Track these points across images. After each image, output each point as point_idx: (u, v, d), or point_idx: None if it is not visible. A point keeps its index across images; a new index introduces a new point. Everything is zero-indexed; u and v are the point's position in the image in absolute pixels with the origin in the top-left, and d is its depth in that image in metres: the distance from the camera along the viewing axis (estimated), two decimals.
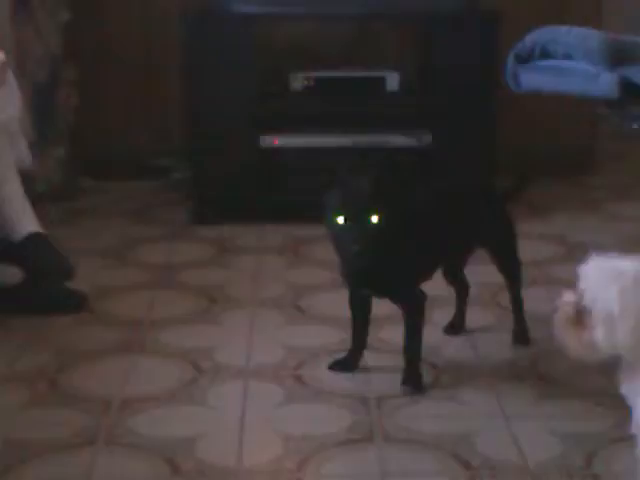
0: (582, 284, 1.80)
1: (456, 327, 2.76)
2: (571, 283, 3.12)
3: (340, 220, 2.24)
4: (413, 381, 2.39)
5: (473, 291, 3.02)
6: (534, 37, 2.50)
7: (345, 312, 2.49)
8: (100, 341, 2.74)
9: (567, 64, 2.42)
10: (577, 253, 3.44)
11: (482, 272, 2.95)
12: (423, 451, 2.16)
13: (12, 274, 2.95)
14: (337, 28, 4.10)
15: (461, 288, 2.75)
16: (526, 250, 2.81)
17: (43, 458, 2.15)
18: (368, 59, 4.05)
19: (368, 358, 2.53)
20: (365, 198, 2.25)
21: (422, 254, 2.42)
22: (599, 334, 1.76)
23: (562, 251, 3.46)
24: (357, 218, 2.23)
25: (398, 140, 3.72)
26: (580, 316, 1.79)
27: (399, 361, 2.47)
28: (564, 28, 2.50)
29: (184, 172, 4.06)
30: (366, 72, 3.89)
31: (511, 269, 2.68)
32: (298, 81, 3.79)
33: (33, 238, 2.91)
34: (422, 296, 2.43)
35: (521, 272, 2.67)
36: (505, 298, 2.91)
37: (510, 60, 2.56)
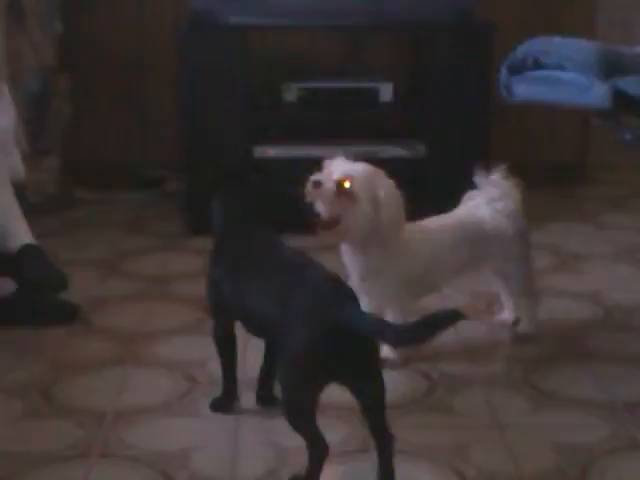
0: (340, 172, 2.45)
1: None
2: (565, 292, 3.14)
3: None
4: None
5: (466, 301, 3.03)
6: (527, 47, 2.50)
7: None
8: (94, 353, 2.73)
9: (560, 75, 2.42)
10: (570, 263, 3.45)
11: (475, 282, 2.96)
12: (418, 462, 2.16)
13: (5, 286, 2.95)
14: (331, 39, 4.11)
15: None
16: None
17: (37, 471, 2.14)
18: (361, 70, 4.05)
19: None
20: None
21: None
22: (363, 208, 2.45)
23: (556, 261, 3.46)
24: None
25: (392, 151, 3.72)
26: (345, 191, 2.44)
27: (387, 372, 2.48)
28: (557, 39, 2.50)
29: (178, 183, 4.07)
30: (359, 83, 3.89)
31: None
32: (291, 92, 3.79)
33: (26, 250, 2.90)
34: None
35: None
36: (499, 308, 2.92)
37: (503, 71, 2.56)
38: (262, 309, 2.12)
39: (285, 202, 2.29)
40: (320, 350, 1.93)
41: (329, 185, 2.45)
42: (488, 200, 2.71)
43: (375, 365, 1.99)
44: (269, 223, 2.28)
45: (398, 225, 2.54)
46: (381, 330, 1.94)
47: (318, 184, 2.45)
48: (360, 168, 2.50)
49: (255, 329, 2.27)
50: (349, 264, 2.59)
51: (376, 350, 2.00)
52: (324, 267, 2.10)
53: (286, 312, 2.01)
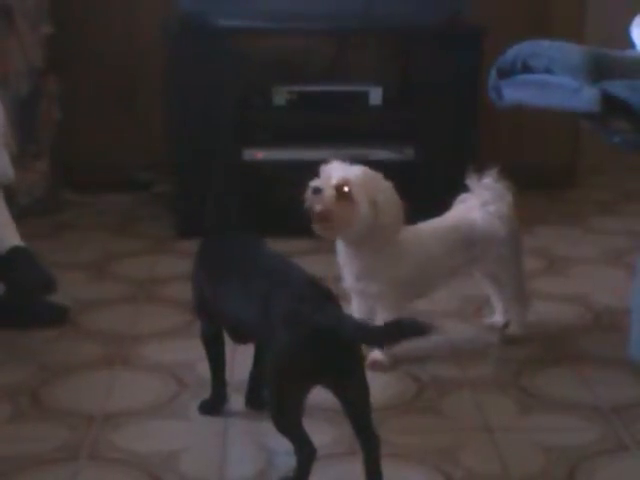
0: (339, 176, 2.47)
1: None
2: (553, 295, 3.15)
3: None
4: None
5: (456, 304, 3.04)
6: (516, 51, 2.50)
7: None
8: (82, 355, 2.73)
9: (549, 78, 2.43)
10: (559, 266, 3.46)
11: (465, 285, 2.96)
12: (406, 465, 2.16)
13: None
14: (320, 42, 4.10)
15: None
16: None
17: (25, 473, 2.13)
18: (351, 73, 4.05)
19: None
20: None
21: None
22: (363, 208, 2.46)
23: (544, 264, 3.47)
24: None
25: (381, 154, 3.72)
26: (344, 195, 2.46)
27: (376, 374, 2.48)
28: (546, 42, 2.50)
29: (167, 185, 4.06)
30: (349, 86, 3.89)
31: None
32: (281, 95, 3.79)
33: (15, 252, 2.89)
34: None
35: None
36: (489, 312, 2.92)
37: (492, 74, 2.57)
38: (243, 313, 2.12)
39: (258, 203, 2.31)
40: (302, 353, 1.93)
41: (329, 191, 2.46)
42: (481, 203, 2.72)
43: (358, 367, 1.99)
44: (251, 225, 2.28)
45: (397, 227, 2.55)
46: (362, 333, 1.95)
47: (318, 190, 2.46)
48: (358, 171, 2.51)
49: (237, 334, 2.26)
50: (344, 265, 2.60)
51: (358, 352, 2.00)
52: (303, 269, 2.11)
53: (267, 315, 2.01)
